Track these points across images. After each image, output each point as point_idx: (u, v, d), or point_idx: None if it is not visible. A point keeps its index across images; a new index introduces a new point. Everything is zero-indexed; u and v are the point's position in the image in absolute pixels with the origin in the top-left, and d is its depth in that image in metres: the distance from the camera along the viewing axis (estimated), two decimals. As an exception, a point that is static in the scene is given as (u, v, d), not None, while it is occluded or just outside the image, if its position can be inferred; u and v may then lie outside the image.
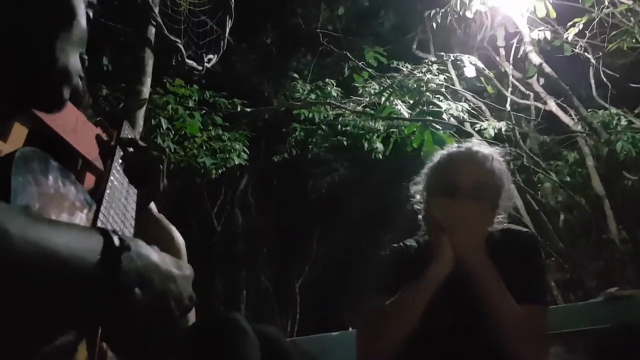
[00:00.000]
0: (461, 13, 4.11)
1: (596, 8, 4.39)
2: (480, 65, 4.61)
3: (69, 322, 0.49)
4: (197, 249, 8.35)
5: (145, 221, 1.05)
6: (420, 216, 1.51)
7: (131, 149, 1.12)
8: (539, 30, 4.36)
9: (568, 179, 5.59)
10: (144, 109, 2.88)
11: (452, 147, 1.54)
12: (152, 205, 1.19)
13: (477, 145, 1.51)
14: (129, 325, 0.53)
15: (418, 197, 1.53)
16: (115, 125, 1.17)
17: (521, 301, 1.30)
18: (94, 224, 0.81)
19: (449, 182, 1.42)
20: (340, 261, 8.49)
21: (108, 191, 0.93)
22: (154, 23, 3.04)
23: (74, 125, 1.59)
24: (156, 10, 3.06)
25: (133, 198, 1.04)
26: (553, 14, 4.05)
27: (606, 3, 4.27)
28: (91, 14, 0.83)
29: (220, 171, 5.13)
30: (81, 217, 0.80)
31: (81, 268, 0.48)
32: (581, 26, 4.38)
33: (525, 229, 1.51)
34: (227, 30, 3.82)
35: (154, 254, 0.57)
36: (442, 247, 1.36)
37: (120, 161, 1.07)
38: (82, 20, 0.79)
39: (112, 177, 0.98)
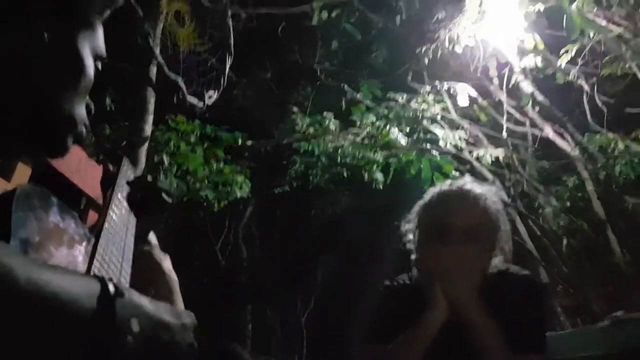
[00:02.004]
0: (450, 48, 4.21)
1: (586, 36, 4.48)
2: (474, 93, 4.69)
3: None
4: (202, 284, 8.33)
5: (138, 256, 1.05)
6: (412, 257, 1.46)
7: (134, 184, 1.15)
8: (529, 58, 4.45)
9: (569, 204, 5.60)
10: (146, 145, 2.94)
11: (444, 185, 1.47)
12: (152, 237, 1.22)
13: (470, 183, 1.44)
14: None
15: (410, 236, 1.47)
16: (116, 163, 1.22)
17: (517, 350, 1.26)
18: (91, 257, 0.85)
19: (439, 226, 1.37)
20: (346, 291, 8.42)
21: (106, 225, 0.97)
22: (155, 63, 3.13)
23: (77, 165, 1.64)
24: (157, 50, 3.15)
25: (132, 232, 1.08)
26: (541, 46, 4.14)
27: (591, 35, 4.36)
28: (100, 66, 0.85)
29: (223, 204, 5.16)
30: (80, 250, 0.84)
31: (78, 312, 0.50)
32: (573, 53, 4.47)
33: (525, 272, 1.43)
34: (227, 68, 3.91)
35: (147, 303, 0.59)
36: (434, 295, 1.32)
37: (119, 195, 1.11)
38: (90, 72, 0.81)
39: (110, 212, 1.02)
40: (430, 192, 1.47)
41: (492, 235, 1.37)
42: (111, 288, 0.54)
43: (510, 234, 1.43)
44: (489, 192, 1.42)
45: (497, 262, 1.39)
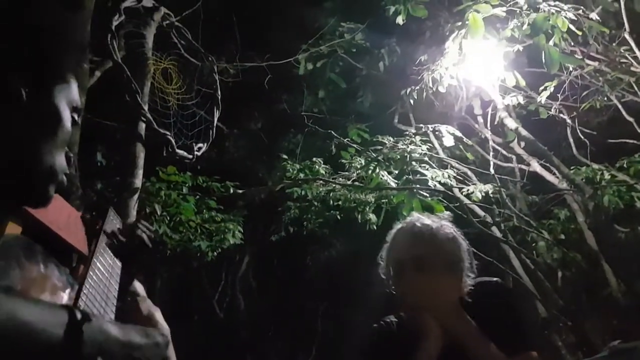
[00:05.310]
0: (434, 89, 4.34)
1: (565, 72, 4.63)
2: (459, 134, 4.80)
3: None
4: (200, 339, 8.16)
5: (129, 307, 1.09)
6: (394, 294, 1.53)
7: (119, 233, 1.18)
8: (511, 96, 4.58)
9: (563, 236, 5.61)
10: (136, 197, 2.98)
11: (400, 225, 1.57)
12: (141, 290, 1.23)
13: (423, 217, 1.55)
14: None
15: (389, 277, 1.54)
16: (102, 214, 1.25)
17: (513, 353, 1.32)
18: (75, 303, 0.87)
19: (413, 259, 1.45)
20: (347, 337, 8.27)
21: (91, 272, 1.00)
22: (144, 119, 3.21)
23: (67, 221, 1.65)
24: (145, 107, 3.23)
25: (116, 279, 1.10)
26: (522, 83, 4.26)
27: (570, 68, 4.51)
28: (77, 118, 0.89)
29: (216, 253, 5.15)
30: (63, 297, 0.87)
31: (47, 339, 0.53)
32: (552, 89, 4.60)
33: (494, 280, 1.52)
34: (215, 120, 4.00)
35: (114, 328, 0.63)
36: (426, 324, 1.37)
37: (104, 245, 1.14)
38: (67, 124, 0.85)
39: (95, 260, 1.06)
40: (392, 233, 1.57)
41: (460, 257, 1.47)
42: (78, 315, 0.57)
43: (471, 253, 1.53)
44: (443, 221, 1.53)
45: (469, 280, 1.48)
